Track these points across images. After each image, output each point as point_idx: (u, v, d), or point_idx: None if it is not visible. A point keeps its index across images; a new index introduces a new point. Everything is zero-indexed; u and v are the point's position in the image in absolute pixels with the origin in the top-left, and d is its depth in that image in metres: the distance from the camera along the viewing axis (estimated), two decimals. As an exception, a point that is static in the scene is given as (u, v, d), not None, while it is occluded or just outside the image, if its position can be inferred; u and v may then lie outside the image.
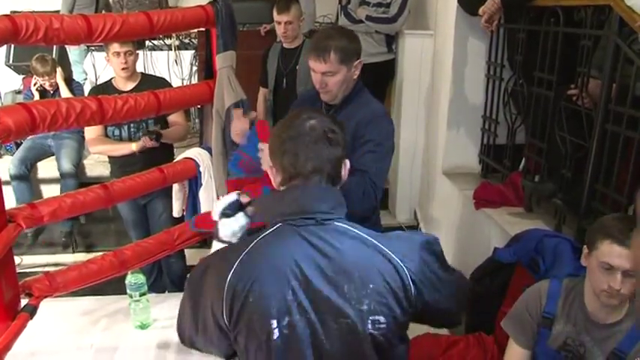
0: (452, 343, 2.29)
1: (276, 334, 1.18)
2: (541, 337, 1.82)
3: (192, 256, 3.40)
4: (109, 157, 3.16)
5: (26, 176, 4.11)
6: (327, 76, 1.97)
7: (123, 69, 2.90)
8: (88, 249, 4.31)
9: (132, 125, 3.00)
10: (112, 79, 3.09)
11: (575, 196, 2.57)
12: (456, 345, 2.28)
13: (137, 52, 3.02)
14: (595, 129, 2.44)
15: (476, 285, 2.49)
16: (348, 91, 2.05)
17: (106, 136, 3.03)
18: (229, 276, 1.20)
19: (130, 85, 2.96)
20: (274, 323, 1.17)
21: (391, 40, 4.16)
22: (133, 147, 2.95)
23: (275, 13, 3.50)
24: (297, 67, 3.55)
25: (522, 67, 3.06)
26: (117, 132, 3.02)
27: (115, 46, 2.82)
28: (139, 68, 4.72)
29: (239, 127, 2.05)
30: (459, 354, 2.25)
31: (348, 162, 1.35)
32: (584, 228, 2.49)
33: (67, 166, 4.04)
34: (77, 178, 4.10)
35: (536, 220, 2.87)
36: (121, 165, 3.06)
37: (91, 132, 3.01)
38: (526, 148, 3.12)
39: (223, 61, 2.09)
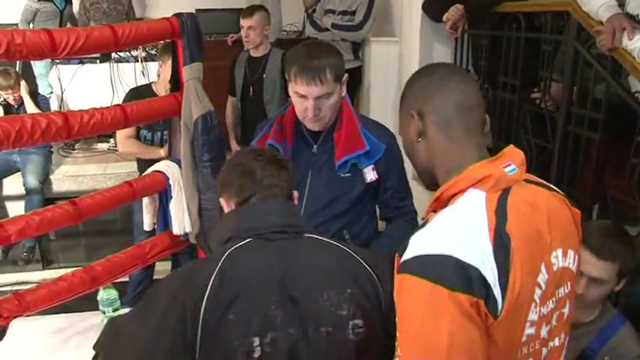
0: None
1: (257, 351, 1.14)
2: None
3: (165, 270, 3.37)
4: (138, 158, 3.18)
5: (-9, 193, 4.03)
6: (322, 99, 1.72)
7: None
8: (58, 265, 4.23)
9: (165, 132, 3.00)
10: (151, 83, 3.16)
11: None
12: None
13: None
14: (558, 131, 2.50)
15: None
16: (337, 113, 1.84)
17: (137, 138, 3.07)
18: (206, 294, 1.14)
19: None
20: (256, 341, 1.14)
21: (357, 48, 4.20)
22: (162, 153, 2.95)
23: (241, 18, 3.54)
24: (264, 76, 3.57)
25: (487, 72, 3.13)
26: (149, 136, 3.06)
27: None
28: (106, 81, 4.74)
29: None
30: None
31: (296, 193, 1.37)
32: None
33: (33, 182, 3.96)
34: (43, 194, 4.02)
35: (504, 221, 2.91)
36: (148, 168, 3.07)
37: (123, 132, 3.04)
38: (493, 151, 3.17)
39: (190, 72, 2.09)
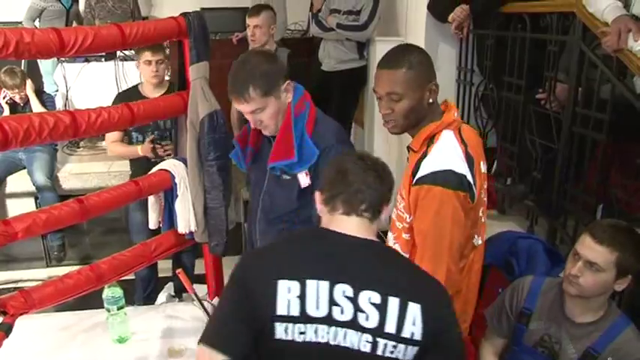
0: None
1: None
2: (518, 334, 1.86)
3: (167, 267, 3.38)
4: (130, 160, 3.20)
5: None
6: (256, 113, 1.77)
7: (154, 77, 2.93)
8: (64, 263, 4.25)
9: (156, 133, 3.02)
10: (138, 85, 3.12)
11: (546, 197, 2.63)
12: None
13: (166, 60, 3.05)
14: (563, 132, 2.50)
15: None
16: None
17: (130, 141, 3.08)
18: None
19: (158, 93, 2.96)
20: None
21: (362, 47, 4.20)
22: (139, 151, 3.00)
23: (247, 17, 3.54)
24: None
25: (492, 72, 3.13)
26: (140, 138, 3.06)
27: (147, 55, 2.87)
28: (111, 79, 4.75)
29: None
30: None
31: (389, 207, 1.39)
32: (556, 228, 2.55)
33: (42, 178, 3.98)
34: (55, 190, 4.04)
35: (509, 222, 2.93)
36: (137, 168, 3.10)
37: (109, 136, 3.09)
38: (497, 151, 3.18)
39: (197, 72, 2.09)
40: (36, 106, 3.98)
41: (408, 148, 1.75)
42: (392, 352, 1.22)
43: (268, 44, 3.59)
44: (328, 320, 1.22)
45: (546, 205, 2.63)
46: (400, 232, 1.74)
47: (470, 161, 1.61)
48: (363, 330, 1.22)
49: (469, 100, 3.45)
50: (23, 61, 4.71)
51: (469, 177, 1.59)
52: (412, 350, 1.23)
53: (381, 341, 1.22)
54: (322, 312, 1.22)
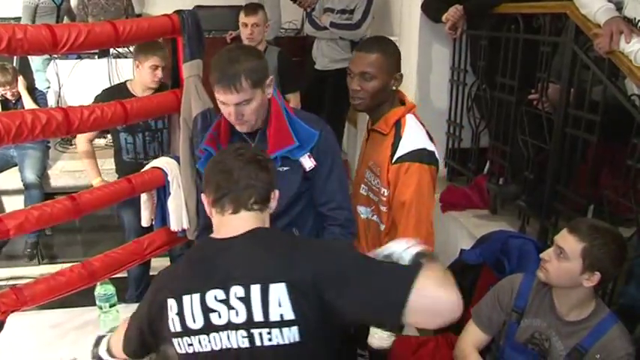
0: (421, 344, 2.32)
1: None
2: (510, 332, 1.88)
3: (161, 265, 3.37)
4: (115, 154, 3.16)
5: (-12, 188, 4.03)
6: (242, 105, 1.71)
7: (157, 81, 2.88)
8: (55, 260, 4.23)
9: (147, 134, 2.98)
10: (126, 82, 3.05)
11: (538, 197, 2.65)
12: (426, 345, 2.31)
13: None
14: (555, 132, 2.52)
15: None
16: (266, 113, 1.83)
17: (117, 143, 3.04)
18: None
19: (148, 92, 2.88)
20: None
21: (356, 46, 4.21)
22: (94, 183, 3.01)
23: (242, 15, 3.54)
24: None
25: (485, 72, 3.14)
26: (130, 139, 2.99)
27: (155, 60, 2.79)
28: (104, 77, 4.73)
29: None
30: (428, 354, 2.28)
31: (277, 192, 1.41)
32: (547, 228, 2.57)
33: (31, 177, 3.95)
34: (42, 188, 4.02)
35: (501, 221, 2.94)
36: (123, 166, 3.08)
37: (82, 139, 3.08)
38: (490, 151, 3.19)
39: (190, 70, 2.10)
40: (28, 103, 3.96)
41: (373, 130, 2.03)
42: (270, 340, 1.22)
43: (261, 43, 3.61)
44: (206, 329, 1.25)
45: (538, 206, 2.65)
46: (377, 205, 2.00)
47: (430, 139, 1.96)
48: (237, 327, 1.23)
49: (462, 100, 3.46)
50: (15, 58, 4.69)
51: (436, 154, 1.93)
52: (291, 331, 1.22)
53: (255, 332, 1.22)
54: (199, 323, 1.25)
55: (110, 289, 2.00)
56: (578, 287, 1.69)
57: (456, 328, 2.39)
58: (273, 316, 1.20)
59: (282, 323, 1.20)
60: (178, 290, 1.28)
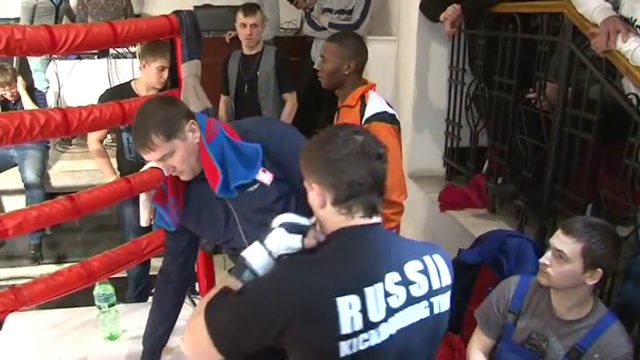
0: (420, 344, 2.33)
1: None
2: (506, 333, 1.88)
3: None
4: (117, 154, 3.14)
5: (-12, 188, 4.03)
6: (165, 159, 1.60)
7: (162, 82, 2.86)
8: (55, 261, 4.23)
9: None
10: (131, 81, 3.04)
11: (536, 196, 2.65)
12: (424, 345, 2.32)
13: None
14: (553, 131, 2.52)
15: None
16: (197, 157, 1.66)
17: (120, 143, 3.03)
18: None
19: (152, 93, 2.86)
20: None
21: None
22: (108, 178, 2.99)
23: (241, 16, 3.54)
24: (258, 73, 3.61)
25: (483, 71, 3.14)
26: (132, 139, 2.96)
27: (164, 62, 2.77)
28: (103, 77, 4.73)
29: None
30: (427, 354, 2.29)
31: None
32: (545, 227, 2.57)
33: (32, 176, 3.96)
34: (43, 188, 4.02)
35: (500, 221, 2.95)
36: (125, 166, 3.06)
37: (92, 139, 3.05)
38: (489, 150, 3.20)
39: (188, 70, 2.10)
40: (27, 104, 3.96)
41: (343, 106, 2.41)
42: (440, 307, 1.26)
43: (258, 43, 3.62)
44: (387, 316, 1.17)
45: (536, 205, 2.65)
46: None
47: (390, 107, 2.36)
48: (418, 300, 1.22)
49: (461, 100, 3.46)
50: (15, 59, 4.70)
51: (397, 116, 2.35)
52: (448, 294, 1.29)
53: (434, 300, 1.25)
54: (382, 314, 1.16)
55: (109, 289, 2.00)
56: (580, 287, 1.69)
57: (454, 327, 2.41)
58: (445, 282, 1.27)
59: (448, 288, 1.28)
60: (355, 284, 1.15)
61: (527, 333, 1.83)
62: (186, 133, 1.61)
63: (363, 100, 2.34)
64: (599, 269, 1.65)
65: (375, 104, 2.32)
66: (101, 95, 2.89)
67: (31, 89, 4.15)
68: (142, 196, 2.34)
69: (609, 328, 1.70)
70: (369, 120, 2.27)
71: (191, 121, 1.63)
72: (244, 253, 1.29)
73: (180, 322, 2.03)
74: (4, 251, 4.14)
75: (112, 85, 4.11)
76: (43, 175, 4.10)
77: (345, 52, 2.34)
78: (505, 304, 1.88)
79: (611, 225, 1.75)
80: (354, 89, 2.37)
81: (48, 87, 5.00)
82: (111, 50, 4.79)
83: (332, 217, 1.23)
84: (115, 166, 3.18)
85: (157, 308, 1.86)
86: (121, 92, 2.82)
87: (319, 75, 2.42)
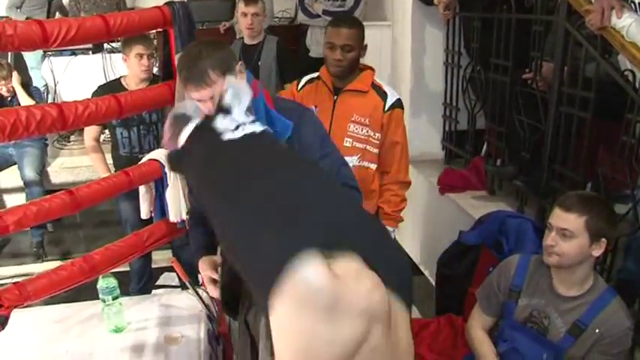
0: (423, 326, 2.35)
1: None
2: (508, 311, 1.90)
3: (163, 258, 3.39)
4: (112, 149, 3.15)
5: (-12, 187, 4.04)
6: (214, 99, 1.61)
7: (145, 70, 2.89)
8: (58, 257, 4.24)
9: (142, 127, 2.98)
10: (120, 78, 3.06)
11: (536, 177, 2.66)
12: (428, 327, 2.34)
13: (155, 53, 3.01)
14: (550, 111, 2.52)
15: (444, 268, 2.55)
16: None
17: (114, 138, 3.04)
18: None
19: (142, 86, 2.89)
20: None
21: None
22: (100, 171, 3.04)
23: (242, 5, 3.51)
24: (260, 64, 3.57)
25: (479, 54, 3.13)
26: (125, 134, 2.99)
27: (139, 48, 2.80)
28: (99, 72, 4.73)
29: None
30: (430, 335, 2.31)
31: None
32: (545, 207, 2.58)
33: (31, 174, 3.96)
34: (42, 185, 4.03)
35: (500, 202, 2.95)
36: (119, 161, 3.07)
37: (88, 135, 3.06)
38: (486, 132, 3.20)
39: (183, 61, 2.09)
40: (23, 99, 3.95)
41: (348, 90, 2.34)
42: None
43: (260, 33, 3.59)
44: None
45: (535, 185, 2.65)
46: (364, 151, 2.33)
47: (397, 92, 2.44)
48: None
49: (457, 83, 3.46)
50: (10, 55, 4.68)
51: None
52: None
53: None
54: None
55: (112, 282, 2.01)
56: (584, 262, 1.71)
57: (457, 308, 2.42)
58: None
59: None
60: None
61: (529, 311, 1.84)
62: (237, 73, 1.68)
63: (376, 86, 2.36)
64: (603, 239, 1.68)
65: (392, 91, 2.39)
66: (93, 92, 2.89)
67: (26, 85, 4.14)
68: (142, 189, 2.35)
69: (609, 303, 1.71)
70: (393, 106, 2.33)
71: (240, 62, 1.71)
72: None
73: (181, 312, 2.04)
74: (8, 249, 4.16)
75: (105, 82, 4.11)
76: (42, 173, 4.11)
77: (362, 35, 2.33)
78: (506, 283, 1.89)
79: (598, 194, 1.78)
80: (359, 74, 2.37)
81: (45, 84, 4.99)
82: (105, 45, 4.78)
83: None
84: (110, 162, 3.20)
85: (195, 235, 1.89)
86: (111, 88, 2.81)
87: (338, 65, 2.29)
